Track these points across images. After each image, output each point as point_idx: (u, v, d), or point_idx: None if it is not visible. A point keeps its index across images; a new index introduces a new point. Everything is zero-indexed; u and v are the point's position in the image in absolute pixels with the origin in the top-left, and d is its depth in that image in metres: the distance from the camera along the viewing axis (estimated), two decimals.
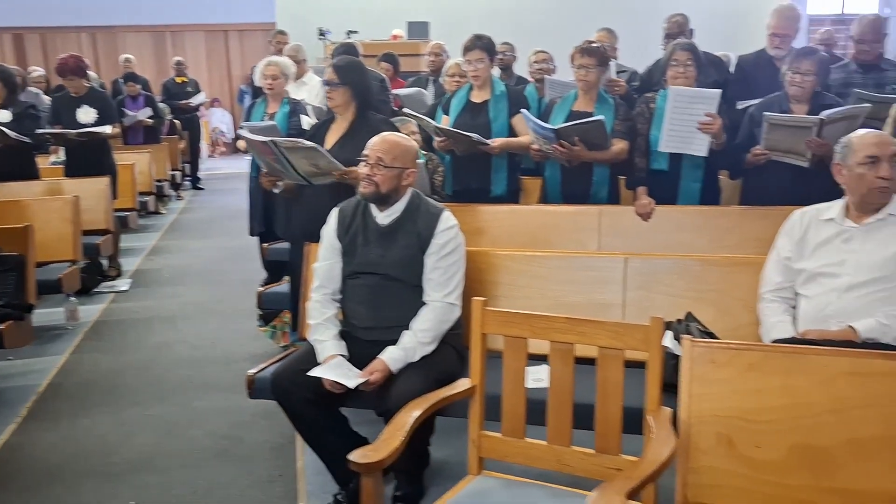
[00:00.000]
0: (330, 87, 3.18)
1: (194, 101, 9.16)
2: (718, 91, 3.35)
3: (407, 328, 2.45)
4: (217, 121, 13.42)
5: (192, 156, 9.69)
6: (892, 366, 1.74)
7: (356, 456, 1.70)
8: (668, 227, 3.35)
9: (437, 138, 3.61)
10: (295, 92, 4.69)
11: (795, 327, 2.37)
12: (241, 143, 3.94)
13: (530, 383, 2.07)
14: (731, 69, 4.50)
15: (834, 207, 2.44)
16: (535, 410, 1.98)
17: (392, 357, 2.40)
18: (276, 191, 3.40)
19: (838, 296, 2.30)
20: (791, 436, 1.78)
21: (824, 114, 3.18)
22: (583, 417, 1.93)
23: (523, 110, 3.55)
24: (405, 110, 3.95)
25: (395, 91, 5.10)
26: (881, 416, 1.72)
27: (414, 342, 2.42)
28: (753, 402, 1.81)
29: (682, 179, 3.54)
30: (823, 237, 2.41)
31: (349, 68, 3.22)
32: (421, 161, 3.80)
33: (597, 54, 3.52)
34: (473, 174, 3.68)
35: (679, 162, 3.49)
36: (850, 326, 2.22)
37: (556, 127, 3.39)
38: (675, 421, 1.86)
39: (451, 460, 2.69)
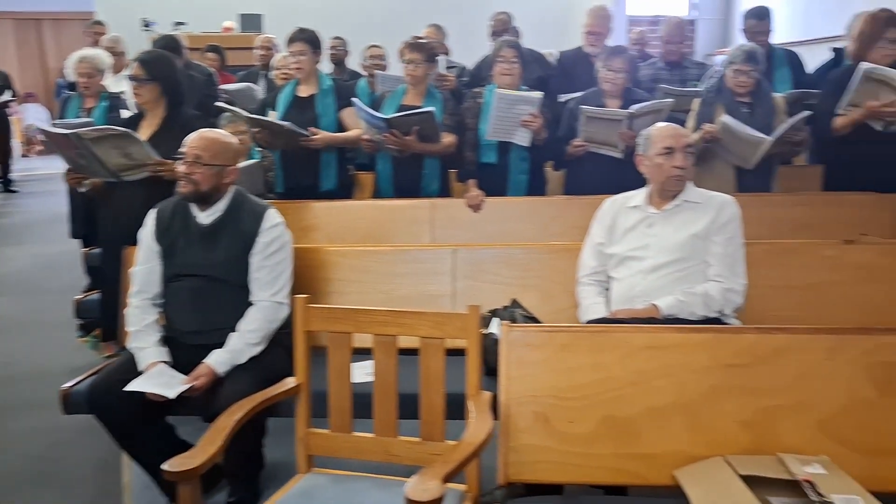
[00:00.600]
0: (136, 84, 3.02)
1: (1, 96, 8.41)
2: (540, 94, 3.51)
3: (234, 330, 2.38)
4: (32, 117, 12.35)
5: (3, 155, 8.91)
6: (683, 338, 1.91)
7: (171, 465, 1.64)
8: (498, 218, 3.47)
9: (253, 130, 3.52)
10: (115, 86, 4.42)
11: (609, 308, 2.54)
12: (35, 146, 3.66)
13: (357, 378, 2.08)
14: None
15: (639, 195, 2.63)
16: (363, 404, 1.99)
17: (218, 360, 2.33)
18: (81, 190, 3.19)
19: (643, 277, 2.48)
20: (599, 409, 1.90)
21: (634, 108, 3.42)
22: (409, 407, 1.96)
23: (355, 100, 3.55)
24: (218, 104, 3.84)
25: (223, 86, 4.93)
26: (675, 384, 1.88)
27: (241, 343, 2.37)
28: (566, 380, 1.92)
29: (510, 172, 3.68)
30: (630, 223, 2.59)
31: (156, 63, 3.07)
32: (255, 160, 3.71)
33: (424, 50, 3.58)
34: (303, 170, 3.63)
35: (507, 155, 3.63)
36: (654, 304, 2.40)
37: (387, 116, 3.41)
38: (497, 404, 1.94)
39: (288, 461, 2.64)
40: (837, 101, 3.37)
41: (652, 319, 2.33)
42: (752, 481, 1.71)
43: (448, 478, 1.53)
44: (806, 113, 3.39)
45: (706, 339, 1.91)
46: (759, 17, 4.26)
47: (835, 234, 2.96)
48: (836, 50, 4.38)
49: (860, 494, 1.62)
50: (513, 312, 2.56)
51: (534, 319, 2.56)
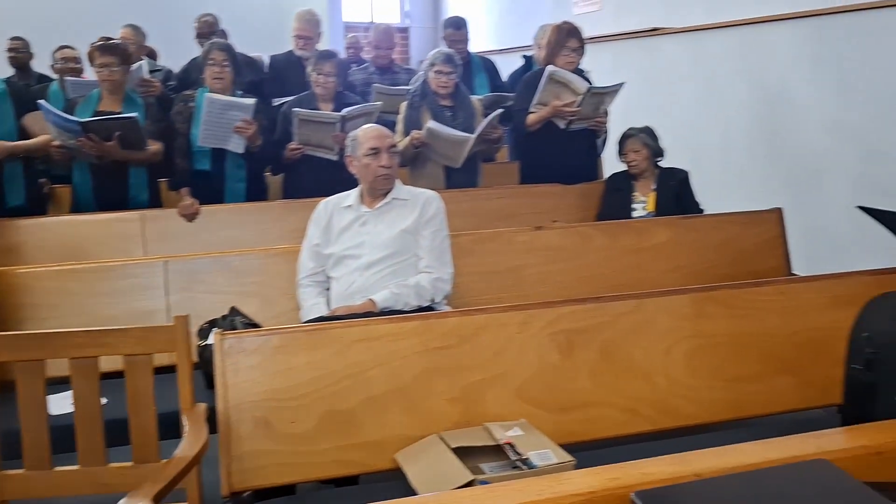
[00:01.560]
0: None
1: None
2: (253, 100, 3.47)
3: None
4: None
5: None
6: (394, 327, 2.02)
7: None
8: (214, 227, 3.37)
9: None
10: None
11: (329, 307, 2.59)
12: None
13: (56, 409, 1.90)
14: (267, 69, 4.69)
15: (352, 195, 2.72)
16: (64, 437, 1.83)
17: None
18: None
19: (360, 274, 2.57)
20: (320, 405, 1.94)
21: (345, 111, 3.52)
22: (119, 433, 1.84)
23: (41, 102, 3.22)
24: None
25: None
26: (389, 372, 1.98)
27: None
28: (285, 381, 1.93)
29: (226, 179, 3.59)
30: (345, 223, 2.66)
31: None
32: None
33: (118, 52, 3.36)
34: None
35: (222, 162, 3.54)
36: (370, 299, 2.50)
37: (82, 120, 3.15)
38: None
39: None
40: (530, 100, 3.75)
41: (369, 314, 2.43)
42: (463, 452, 1.86)
43: (160, 497, 1.47)
44: (500, 111, 3.74)
45: (415, 327, 2.03)
46: (457, 27, 4.61)
47: (531, 223, 3.30)
48: (526, 57, 4.88)
49: (550, 448, 1.83)
50: (233, 321, 2.51)
51: (256, 325, 2.53)
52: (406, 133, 3.67)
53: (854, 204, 3.19)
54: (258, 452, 1.89)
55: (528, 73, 3.96)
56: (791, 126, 4.70)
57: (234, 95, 3.48)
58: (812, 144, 4.56)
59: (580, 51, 3.75)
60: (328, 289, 2.66)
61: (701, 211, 3.67)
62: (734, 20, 4.97)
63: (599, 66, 5.41)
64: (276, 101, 3.99)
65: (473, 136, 3.54)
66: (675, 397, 2.17)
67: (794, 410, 2.26)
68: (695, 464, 1.19)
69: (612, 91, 3.73)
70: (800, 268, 3.39)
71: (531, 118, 3.76)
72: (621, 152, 3.73)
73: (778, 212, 3.37)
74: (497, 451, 1.89)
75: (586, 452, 1.91)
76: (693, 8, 5.33)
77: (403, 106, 3.83)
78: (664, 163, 3.81)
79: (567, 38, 3.75)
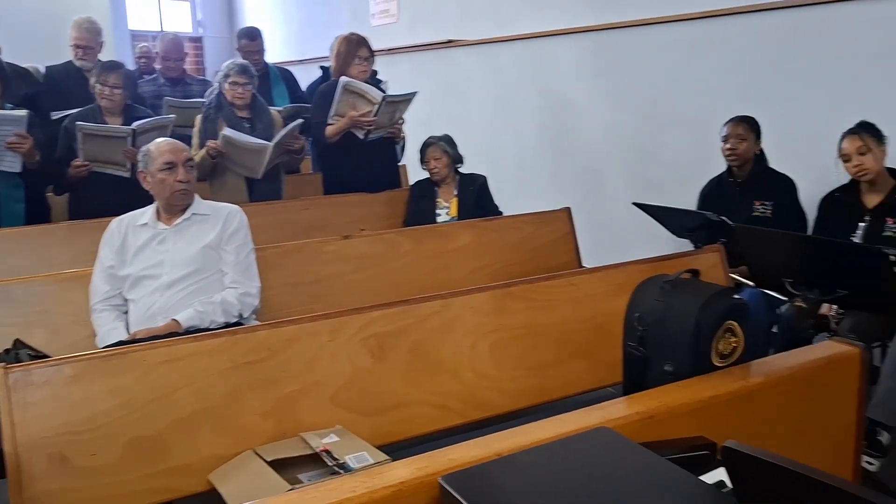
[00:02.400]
0: None
1: None
2: (25, 112, 3.20)
3: None
4: None
5: None
6: (199, 346, 1.96)
7: None
8: None
9: None
10: None
11: (129, 331, 2.46)
12: None
13: None
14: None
15: (147, 213, 2.60)
16: None
17: None
18: None
19: (160, 294, 2.46)
20: (124, 433, 1.84)
21: (136, 124, 3.34)
22: None
23: None
24: None
25: None
26: (197, 391, 1.92)
27: None
28: (82, 412, 1.81)
29: (2, 202, 3.28)
30: (141, 242, 2.54)
31: None
32: None
33: None
34: None
35: None
36: (174, 319, 2.40)
37: None
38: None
39: None
40: (327, 112, 3.76)
41: (173, 334, 2.33)
42: (280, 464, 1.85)
43: None
44: (299, 121, 3.73)
45: (222, 343, 1.99)
46: (251, 37, 4.53)
47: (340, 232, 3.32)
48: (323, 68, 4.89)
49: (367, 450, 1.87)
50: (17, 354, 2.31)
51: (45, 357, 2.34)
52: (202, 146, 3.55)
53: (631, 200, 3.54)
54: (55, 491, 1.76)
55: (323, 85, 3.97)
56: (575, 130, 5.11)
57: (2, 108, 3.19)
58: (593, 147, 4.98)
59: (371, 60, 3.83)
60: (126, 312, 2.52)
61: (500, 213, 3.89)
62: (522, 33, 5.32)
63: (399, 76, 5.57)
64: (56, 115, 3.71)
65: (271, 143, 3.50)
66: (483, 390, 2.30)
67: (589, 390, 2.47)
68: (496, 445, 1.28)
69: (406, 99, 3.84)
70: (590, 260, 3.70)
71: (330, 130, 3.78)
72: (423, 160, 3.86)
73: (567, 211, 3.65)
74: (315, 460, 1.90)
75: (404, 451, 1.97)
76: (485, 21, 5.63)
77: (199, 119, 3.71)
78: (464, 169, 3.99)
79: (357, 49, 3.79)
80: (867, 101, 3.42)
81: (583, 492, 1.12)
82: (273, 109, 3.89)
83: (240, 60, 3.77)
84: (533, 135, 5.43)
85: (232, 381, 1.96)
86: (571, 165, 5.17)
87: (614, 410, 1.43)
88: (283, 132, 3.55)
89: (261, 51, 4.56)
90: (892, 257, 2.20)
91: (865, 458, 2.71)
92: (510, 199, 4.42)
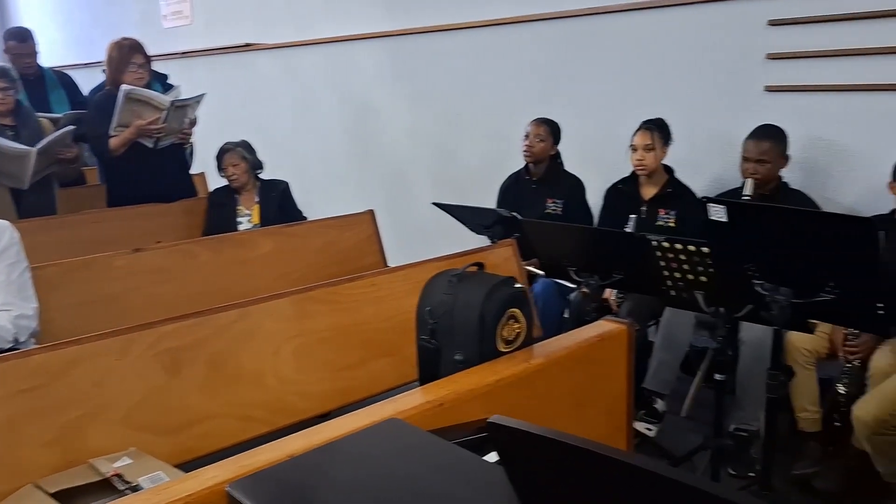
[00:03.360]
0: None
1: None
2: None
3: None
4: None
5: None
6: None
7: None
8: None
9: None
10: None
11: None
12: None
13: None
14: None
15: None
16: None
17: None
18: None
19: None
20: None
21: None
22: None
23: None
24: None
25: None
26: None
27: None
28: None
29: None
30: None
31: None
32: None
33: None
34: None
35: None
36: None
37: None
38: None
39: None
40: (106, 124, 3.51)
41: None
42: (67, 496, 1.72)
43: None
44: (70, 127, 3.48)
45: None
46: (21, 39, 4.16)
47: (133, 246, 3.13)
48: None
49: (163, 469, 1.79)
50: None
51: None
52: None
53: (436, 200, 3.66)
54: None
55: (98, 95, 3.71)
56: (379, 134, 5.19)
57: None
58: (397, 150, 5.09)
59: (146, 66, 3.65)
60: None
61: (304, 218, 3.86)
62: (322, 38, 5.32)
63: (195, 80, 5.36)
64: None
65: (34, 149, 3.23)
66: (288, 395, 2.28)
67: (395, 387, 2.53)
68: (288, 447, 1.28)
69: (195, 101, 3.71)
70: (397, 261, 3.77)
71: (114, 142, 3.53)
72: (220, 167, 3.75)
73: (370, 213, 3.70)
74: (106, 487, 1.79)
75: (206, 467, 1.91)
76: (283, 25, 5.56)
77: None
78: (266, 174, 3.92)
79: (130, 55, 3.60)
80: (651, 102, 3.78)
81: (373, 482, 1.15)
82: (46, 116, 3.60)
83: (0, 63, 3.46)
84: (337, 139, 5.44)
85: (6, 412, 1.80)
86: (377, 168, 5.25)
87: (406, 402, 1.49)
88: (48, 138, 3.30)
89: (33, 53, 4.19)
90: (654, 243, 2.45)
91: (645, 424, 3.00)
92: (317, 204, 4.41)
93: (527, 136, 3.68)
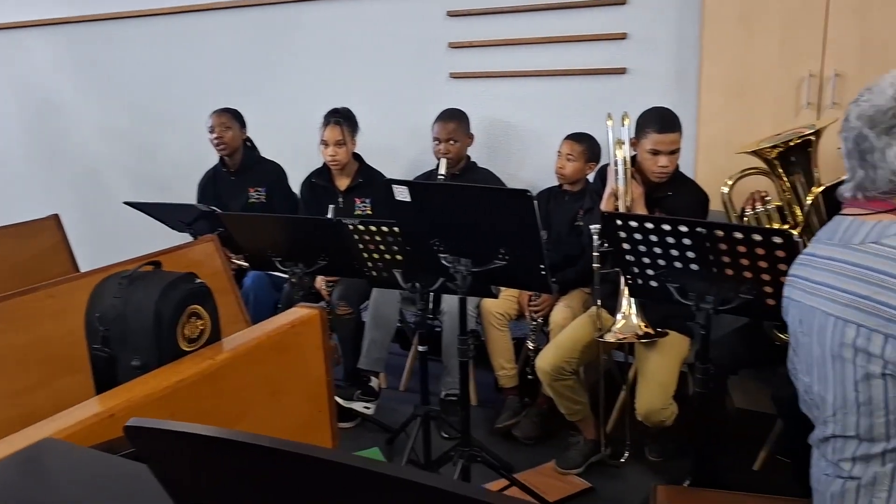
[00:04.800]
0: None
1: None
2: None
3: None
4: None
5: None
6: None
7: None
8: None
9: None
10: None
11: None
12: None
13: None
14: None
15: None
16: None
17: None
18: None
19: None
20: None
21: None
22: None
23: None
24: None
25: None
26: None
27: None
28: None
29: None
30: None
31: None
32: None
33: None
34: None
35: None
36: None
37: None
38: None
39: None
40: None
41: None
42: None
43: None
44: None
45: None
46: None
47: None
48: None
49: None
50: None
51: None
52: None
53: (136, 199, 3.41)
54: None
55: None
56: (66, 131, 4.72)
57: None
58: (89, 148, 4.67)
59: None
60: None
61: None
62: None
63: None
64: None
65: None
66: None
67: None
68: None
69: None
70: (92, 265, 3.47)
71: None
72: None
73: (55, 218, 3.34)
74: None
75: None
76: None
77: None
78: None
79: None
80: (345, 91, 3.85)
81: None
82: None
83: None
84: (18, 139, 4.85)
85: None
86: (67, 169, 4.77)
87: (70, 418, 1.37)
88: None
89: None
90: (350, 226, 2.51)
91: (363, 403, 3.09)
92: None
93: (212, 130, 3.58)
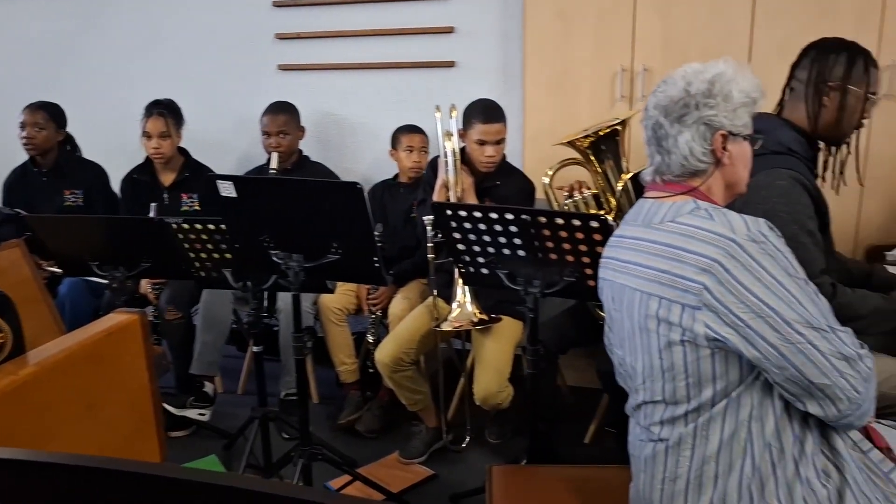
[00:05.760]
0: None
1: None
2: None
3: None
4: None
5: None
6: None
7: None
8: None
9: None
10: None
11: None
12: None
13: None
14: None
15: None
16: None
17: None
18: None
19: None
20: None
21: None
22: None
23: None
24: None
25: None
26: None
27: None
28: None
29: None
30: None
31: None
32: None
33: None
34: None
35: None
36: None
37: None
38: None
39: None
40: None
41: None
42: None
43: None
44: None
45: None
46: None
47: None
48: None
49: None
50: None
51: None
52: None
53: None
54: None
55: None
56: None
57: None
58: None
59: None
60: None
61: None
62: None
63: None
64: None
65: None
66: None
67: None
68: None
69: None
70: None
71: None
72: None
73: None
74: None
75: None
76: None
77: None
78: None
79: None
80: (168, 83, 3.63)
81: None
82: None
83: None
84: None
85: None
86: None
87: None
88: None
89: None
90: (174, 225, 2.39)
91: (197, 410, 2.96)
92: None
93: (23, 126, 3.28)
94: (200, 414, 2.96)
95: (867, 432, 1.49)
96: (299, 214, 2.10)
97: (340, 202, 2.06)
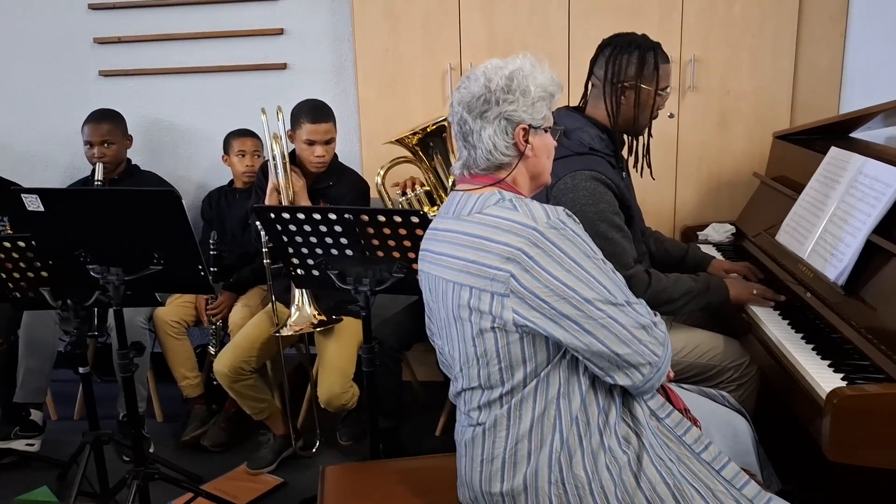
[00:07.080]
0: None
1: None
2: None
3: None
4: None
5: None
6: None
7: None
8: None
9: None
10: None
11: None
12: None
13: None
14: None
15: None
16: None
17: None
18: None
19: None
20: None
21: None
22: None
23: None
24: None
25: None
26: None
27: None
28: None
29: None
30: None
31: None
32: None
33: None
34: None
35: None
36: None
37: None
38: None
39: None
40: None
41: None
42: None
43: None
44: None
45: None
46: None
47: None
48: None
49: None
50: None
51: None
52: None
53: None
54: None
55: None
56: None
57: None
58: None
59: None
60: None
61: None
62: None
63: None
64: None
65: None
66: None
67: None
68: None
69: None
70: None
71: None
72: None
73: None
74: None
75: None
76: None
77: None
78: None
79: None
80: None
81: None
82: None
83: None
84: None
85: None
86: None
87: None
88: None
89: None
90: None
91: (25, 441, 2.77)
92: None
93: None
94: (28, 444, 2.77)
95: (667, 395, 1.61)
96: (115, 226, 2.00)
97: (158, 211, 1.99)
